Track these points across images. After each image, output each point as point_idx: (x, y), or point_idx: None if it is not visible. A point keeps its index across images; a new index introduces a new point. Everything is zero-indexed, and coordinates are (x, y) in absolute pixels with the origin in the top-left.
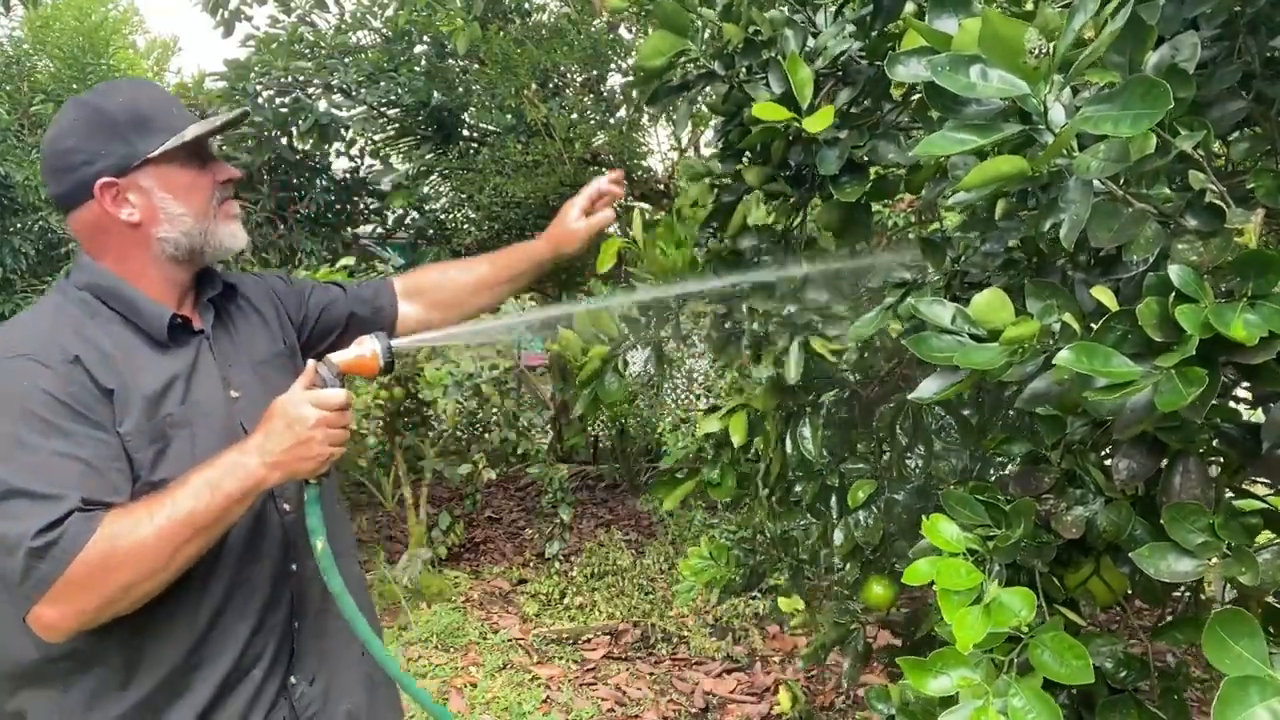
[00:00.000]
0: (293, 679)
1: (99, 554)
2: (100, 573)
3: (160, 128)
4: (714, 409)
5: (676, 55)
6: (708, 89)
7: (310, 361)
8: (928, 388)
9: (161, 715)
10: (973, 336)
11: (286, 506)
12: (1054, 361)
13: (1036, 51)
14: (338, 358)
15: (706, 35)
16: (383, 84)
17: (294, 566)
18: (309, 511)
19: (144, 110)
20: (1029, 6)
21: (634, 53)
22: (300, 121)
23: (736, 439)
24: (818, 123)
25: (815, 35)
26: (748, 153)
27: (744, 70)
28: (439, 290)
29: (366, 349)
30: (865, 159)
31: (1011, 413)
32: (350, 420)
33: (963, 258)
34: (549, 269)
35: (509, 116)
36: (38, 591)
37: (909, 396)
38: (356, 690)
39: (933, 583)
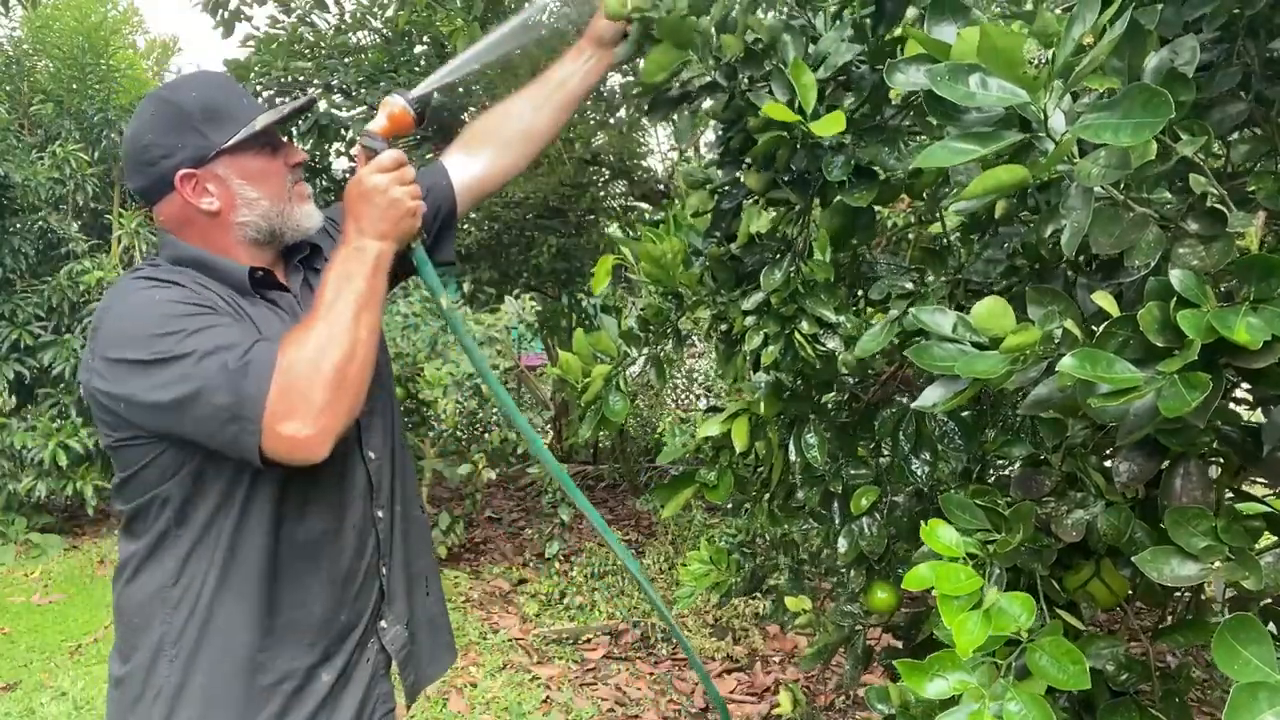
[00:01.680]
0: (383, 623)
1: (293, 357)
2: (306, 370)
3: (232, 118)
4: (714, 410)
5: (678, 68)
6: (709, 100)
7: (356, 145)
8: (930, 396)
9: (263, 654)
10: (974, 344)
11: (372, 454)
12: (1056, 369)
13: (1036, 61)
14: (374, 126)
15: (706, 46)
16: (382, 84)
17: (379, 513)
18: (423, 274)
19: (216, 103)
20: (1028, 6)
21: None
22: (300, 122)
23: (739, 444)
24: (828, 127)
25: (815, 41)
26: (748, 159)
27: (746, 80)
28: (500, 129)
29: (394, 106)
30: (869, 164)
31: (1013, 413)
32: (414, 172)
33: (965, 265)
34: (598, 69)
35: None
36: (257, 410)
37: (912, 406)
38: (424, 630)
39: (933, 587)
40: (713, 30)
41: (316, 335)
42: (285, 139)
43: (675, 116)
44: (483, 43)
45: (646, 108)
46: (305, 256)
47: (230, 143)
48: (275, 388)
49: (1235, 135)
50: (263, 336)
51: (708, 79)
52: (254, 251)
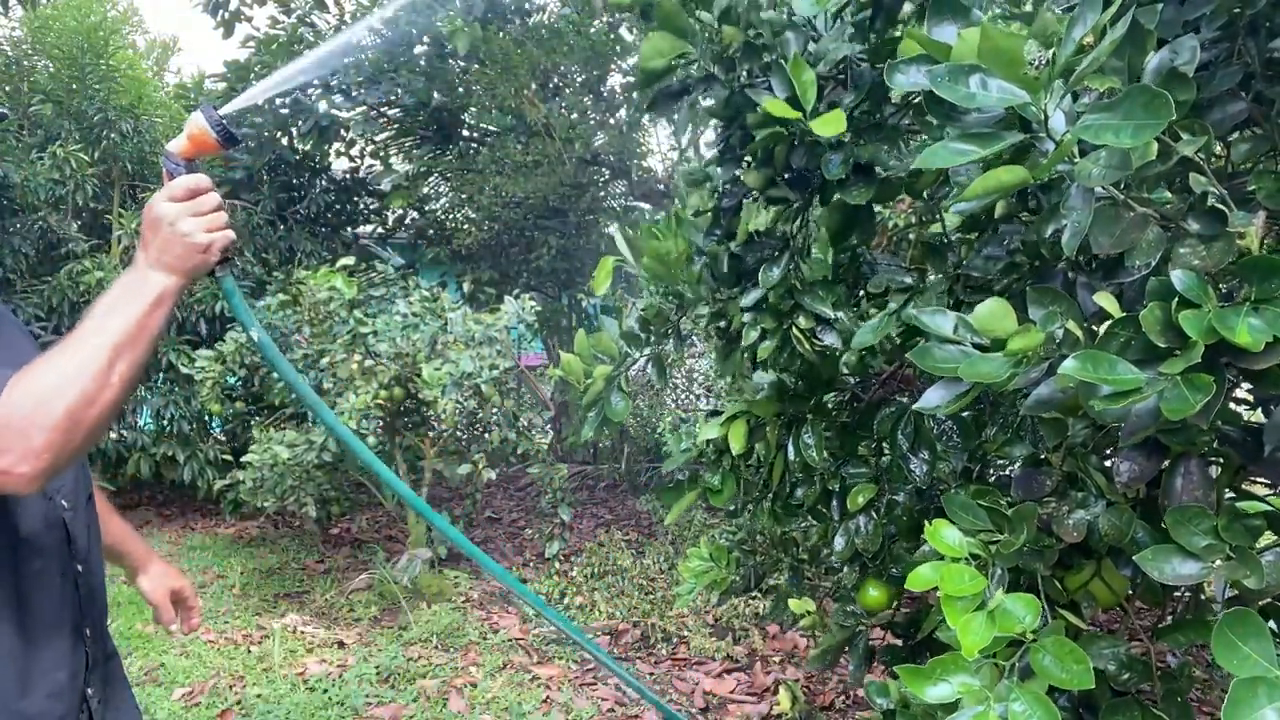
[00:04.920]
0: (89, 690)
1: (22, 392)
2: (30, 407)
3: None
4: (715, 414)
5: (677, 58)
6: (708, 94)
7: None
8: (932, 399)
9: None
10: (976, 346)
11: (65, 504)
12: (1059, 370)
13: (1036, 62)
14: (174, 147)
15: (706, 38)
16: (383, 84)
17: (79, 567)
18: (232, 305)
19: None
20: (1028, 7)
21: (634, 52)
22: (300, 122)
23: (735, 446)
24: (828, 126)
25: (816, 40)
26: (748, 157)
27: (744, 74)
28: None
29: (194, 126)
30: (868, 163)
31: (1013, 412)
32: (216, 200)
33: (964, 262)
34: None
35: (509, 117)
36: None
37: (913, 408)
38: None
39: (936, 587)
40: (714, 22)
41: (57, 370)
42: None
43: (675, 115)
44: (301, 61)
45: (645, 104)
46: None
47: None
48: None
49: (1235, 135)
50: None
51: (706, 72)
52: None
